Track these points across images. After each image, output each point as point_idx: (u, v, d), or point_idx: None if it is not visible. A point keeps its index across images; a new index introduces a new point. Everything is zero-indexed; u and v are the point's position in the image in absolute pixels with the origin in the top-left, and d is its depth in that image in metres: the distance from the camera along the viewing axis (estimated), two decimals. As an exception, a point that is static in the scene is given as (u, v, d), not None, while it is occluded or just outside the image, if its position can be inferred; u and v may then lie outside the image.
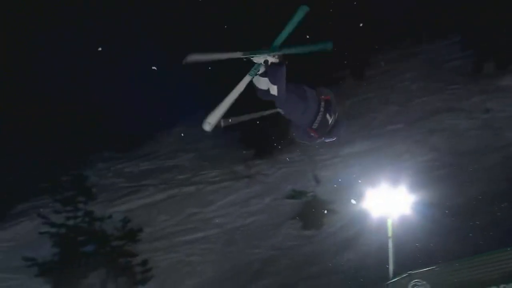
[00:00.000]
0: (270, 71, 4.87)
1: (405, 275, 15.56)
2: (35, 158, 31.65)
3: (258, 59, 4.81)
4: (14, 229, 29.32)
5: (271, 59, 4.85)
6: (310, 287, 21.46)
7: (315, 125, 5.50)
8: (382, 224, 19.01)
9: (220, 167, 32.08)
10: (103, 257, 23.73)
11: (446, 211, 22.48)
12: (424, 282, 14.84)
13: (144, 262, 24.17)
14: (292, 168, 30.89)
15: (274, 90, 4.95)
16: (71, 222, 23.86)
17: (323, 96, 5.60)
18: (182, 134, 35.19)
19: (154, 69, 32.02)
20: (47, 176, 27.36)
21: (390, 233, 17.58)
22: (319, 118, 5.47)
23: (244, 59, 4.84)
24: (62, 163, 28.78)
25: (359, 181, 23.20)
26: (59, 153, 31.93)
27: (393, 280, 16.46)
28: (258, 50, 4.76)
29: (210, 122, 4.68)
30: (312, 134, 5.63)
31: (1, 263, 26.40)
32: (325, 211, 26.52)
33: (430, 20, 38.30)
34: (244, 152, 32.68)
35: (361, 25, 30.89)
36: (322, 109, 5.48)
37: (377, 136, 31.79)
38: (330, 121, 5.69)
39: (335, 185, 28.31)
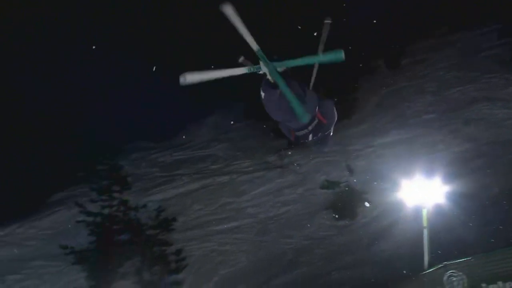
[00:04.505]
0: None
1: (440, 265, 15.39)
2: (72, 148, 32.22)
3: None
4: (52, 218, 29.88)
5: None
6: (344, 277, 21.37)
7: (297, 133, 5.37)
8: (417, 215, 18.87)
9: (253, 157, 32.14)
10: (138, 246, 23.99)
11: (482, 202, 22.15)
12: (460, 273, 14.64)
13: (178, 251, 24.37)
14: (325, 158, 30.74)
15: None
16: (106, 211, 24.19)
17: (320, 115, 5.36)
18: (216, 125, 35.36)
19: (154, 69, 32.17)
20: (84, 166, 27.81)
21: (425, 223, 17.41)
22: (302, 132, 5.34)
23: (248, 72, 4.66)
24: (98, 153, 29.18)
25: (393, 171, 23.04)
26: (95, 143, 32.41)
27: (428, 270, 16.32)
28: (262, 64, 4.53)
29: (187, 78, 4.55)
30: (291, 134, 5.47)
31: (40, 250, 26.99)
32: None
33: (466, 8, 37.56)
34: (277, 142, 32.61)
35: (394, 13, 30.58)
36: (310, 128, 5.29)
37: (411, 126, 31.43)
38: (310, 139, 5.46)
39: (368, 176, 28.15)
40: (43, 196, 31.88)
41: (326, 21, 5.46)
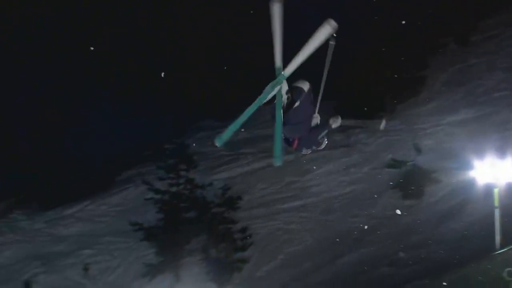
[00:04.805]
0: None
1: (512, 246, 14.95)
2: (140, 127, 32.88)
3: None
4: (121, 195, 30.72)
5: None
6: (411, 257, 20.99)
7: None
8: (487, 194, 18.31)
9: (318, 136, 31.87)
10: (204, 224, 24.35)
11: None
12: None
13: (244, 229, 24.59)
14: (392, 137, 30.18)
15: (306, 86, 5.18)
16: (173, 189, 24.64)
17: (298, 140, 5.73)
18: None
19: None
20: (151, 144, 28.43)
21: (496, 203, 16.92)
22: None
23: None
24: (165, 131, 29.70)
25: (463, 150, 22.42)
26: (162, 122, 32.98)
27: (500, 251, 15.86)
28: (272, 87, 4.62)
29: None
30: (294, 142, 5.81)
31: (110, 227, 27.85)
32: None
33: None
34: (342, 121, 32.21)
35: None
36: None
37: (482, 103, 30.35)
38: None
39: (436, 155, 27.48)
40: (112, 174, 32.77)
41: (331, 42, 5.29)
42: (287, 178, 28.58)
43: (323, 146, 6.23)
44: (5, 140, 32.30)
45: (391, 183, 27.30)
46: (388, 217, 25.10)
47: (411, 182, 26.51)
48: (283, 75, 4.49)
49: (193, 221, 23.97)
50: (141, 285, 24.67)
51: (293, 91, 5.15)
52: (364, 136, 30.99)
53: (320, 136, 5.97)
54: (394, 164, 28.42)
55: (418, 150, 28.72)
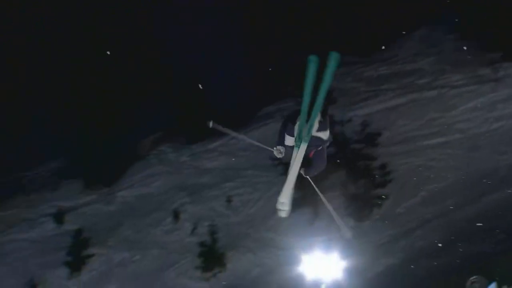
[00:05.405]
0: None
1: None
2: (281, 66, 33.06)
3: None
4: (261, 130, 31.47)
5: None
6: None
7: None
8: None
9: (464, 70, 30.21)
10: (343, 160, 24.46)
11: None
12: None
13: (383, 166, 24.42)
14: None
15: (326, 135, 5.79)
16: (313, 124, 24.86)
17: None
18: (422, 38, 33.78)
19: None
20: (292, 80, 28.58)
21: None
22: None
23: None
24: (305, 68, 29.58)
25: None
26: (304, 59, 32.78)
27: None
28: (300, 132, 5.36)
29: (284, 202, 5.15)
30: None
31: (251, 161, 28.81)
32: None
33: None
34: (490, 54, 30.24)
35: None
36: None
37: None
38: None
39: None
40: (254, 109, 33.57)
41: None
42: (430, 114, 27.59)
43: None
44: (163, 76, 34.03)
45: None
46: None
47: None
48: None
49: (331, 157, 24.14)
50: (280, 218, 25.50)
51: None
52: (514, 70, 29.01)
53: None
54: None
55: None
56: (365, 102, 29.98)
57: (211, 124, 5.62)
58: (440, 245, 19.45)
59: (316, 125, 5.26)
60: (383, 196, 23.77)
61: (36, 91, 33.93)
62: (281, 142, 5.79)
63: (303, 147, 5.33)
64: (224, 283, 24.03)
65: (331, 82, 5.00)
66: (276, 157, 5.97)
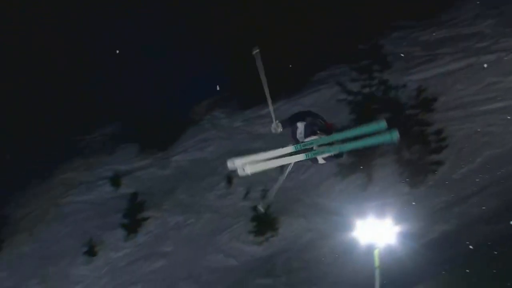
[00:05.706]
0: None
1: None
2: (331, 29, 32.59)
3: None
4: (314, 96, 31.35)
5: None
6: None
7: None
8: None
9: (526, 33, 29.11)
10: (398, 125, 24.11)
11: None
12: None
13: (439, 131, 23.96)
14: None
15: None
16: (366, 90, 24.57)
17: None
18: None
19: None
20: (345, 46, 28.24)
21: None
22: None
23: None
24: (359, 32, 29.09)
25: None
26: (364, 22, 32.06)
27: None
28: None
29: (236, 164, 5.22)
30: None
31: (303, 127, 28.74)
32: None
33: None
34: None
35: None
36: None
37: None
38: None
39: None
40: (306, 75, 33.34)
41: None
42: (488, 79, 26.74)
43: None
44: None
45: None
46: None
47: None
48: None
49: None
50: (332, 184, 25.51)
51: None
52: None
53: None
54: None
55: None
56: (421, 66, 29.35)
57: (256, 51, 5.49)
58: (496, 212, 19.06)
59: (324, 155, 5.14)
60: (438, 162, 23.38)
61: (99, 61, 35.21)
62: (293, 130, 5.56)
63: (300, 156, 5.23)
64: (276, 247, 24.31)
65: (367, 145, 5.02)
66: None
